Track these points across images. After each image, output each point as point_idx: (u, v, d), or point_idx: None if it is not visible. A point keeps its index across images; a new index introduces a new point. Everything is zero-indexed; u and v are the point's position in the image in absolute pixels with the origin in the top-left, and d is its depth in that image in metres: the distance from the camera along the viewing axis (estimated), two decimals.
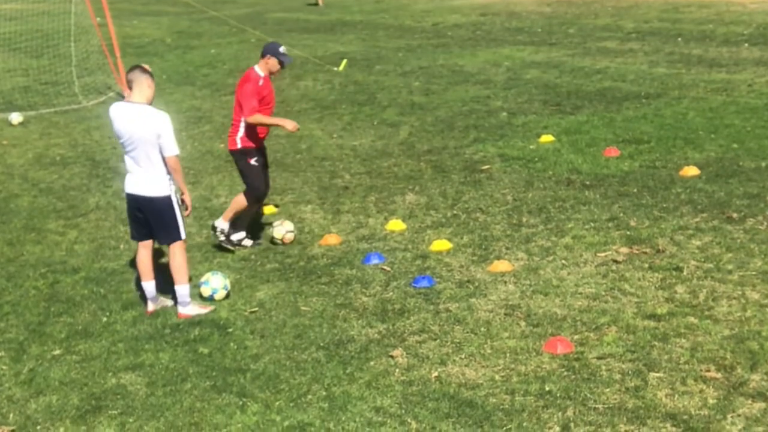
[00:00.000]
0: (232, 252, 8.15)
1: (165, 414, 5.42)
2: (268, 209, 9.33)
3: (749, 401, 5.04)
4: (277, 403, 5.43)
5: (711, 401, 5.06)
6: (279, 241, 8.20)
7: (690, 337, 5.84)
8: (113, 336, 6.60)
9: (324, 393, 5.51)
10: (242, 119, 7.87)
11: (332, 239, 8.24)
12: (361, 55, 19.69)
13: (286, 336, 6.36)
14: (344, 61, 15.49)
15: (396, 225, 8.48)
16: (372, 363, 5.85)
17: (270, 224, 8.55)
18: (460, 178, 9.95)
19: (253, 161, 8.04)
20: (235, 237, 8.25)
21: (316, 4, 34.71)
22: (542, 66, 16.73)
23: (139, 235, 6.92)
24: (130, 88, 6.61)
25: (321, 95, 15.72)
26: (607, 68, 15.98)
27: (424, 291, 6.93)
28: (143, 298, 7.16)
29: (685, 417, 4.93)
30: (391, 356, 5.92)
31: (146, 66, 6.79)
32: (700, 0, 24.25)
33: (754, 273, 6.78)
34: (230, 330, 6.53)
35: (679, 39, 18.70)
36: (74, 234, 9.08)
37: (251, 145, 8.01)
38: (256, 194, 8.16)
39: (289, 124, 7.95)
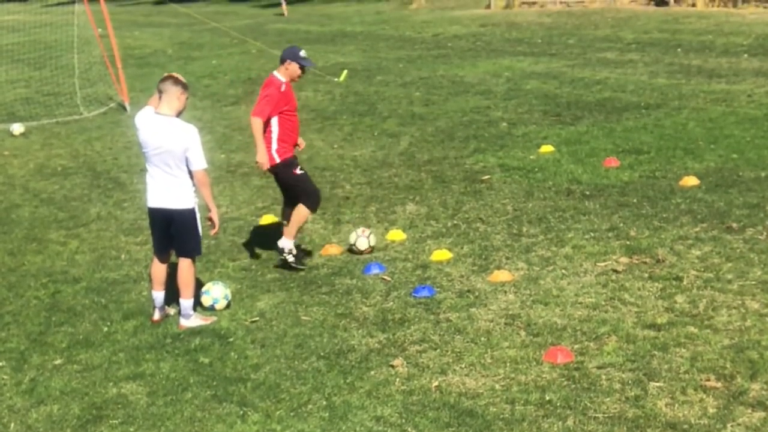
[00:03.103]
0: (302, 270, 7.74)
1: (166, 424, 5.42)
2: (269, 218, 9.34)
3: (749, 410, 5.04)
4: (278, 412, 5.44)
5: (711, 411, 5.07)
6: (357, 249, 8.03)
7: (690, 347, 5.84)
8: (114, 346, 6.61)
9: (324, 402, 5.51)
10: (272, 132, 7.52)
11: (333, 249, 8.25)
12: (361, 66, 19.74)
13: (286, 346, 6.37)
14: (345, 72, 15.52)
15: (396, 235, 8.49)
16: (372, 372, 5.86)
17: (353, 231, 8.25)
18: (461, 188, 9.97)
19: (297, 170, 7.68)
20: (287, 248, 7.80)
21: (282, 15, 35.12)
22: (542, 76, 16.78)
23: (162, 247, 6.87)
24: (160, 98, 6.53)
25: (322, 106, 15.76)
26: (606, 79, 16.03)
27: (425, 301, 6.94)
28: (149, 306, 7.18)
29: (685, 426, 4.93)
30: (392, 366, 5.92)
31: (179, 76, 6.64)
32: (700, 11, 24.32)
33: (753, 283, 6.79)
34: (231, 340, 6.54)
35: (679, 50, 18.75)
36: (75, 244, 9.10)
37: (289, 155, 7.64)
38: (316, 199, 7.78)
39: (259, 158, 7.48)
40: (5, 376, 6.26)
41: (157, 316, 6.98)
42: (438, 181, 10.33)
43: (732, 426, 4.91)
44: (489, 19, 27.49)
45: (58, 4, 30.07)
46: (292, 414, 5.41)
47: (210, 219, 6.75)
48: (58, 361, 6.42)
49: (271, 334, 6.57)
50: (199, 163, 6.54)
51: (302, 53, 7.64)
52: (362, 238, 8.06)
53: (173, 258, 6.95)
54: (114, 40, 17.37)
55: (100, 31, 18.60)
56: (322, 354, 6.18)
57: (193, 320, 6.82)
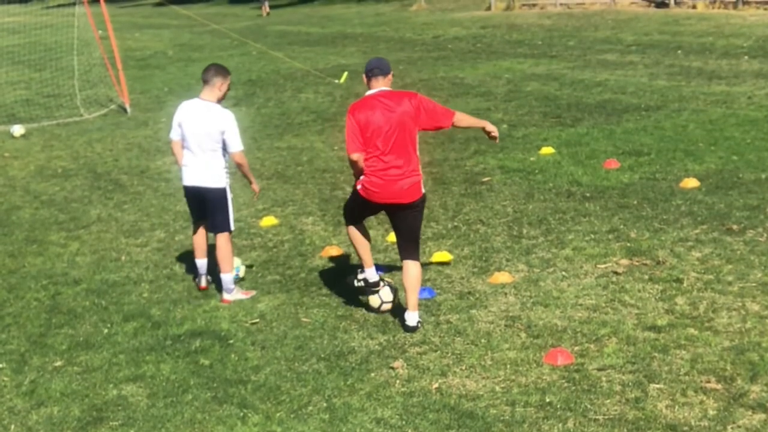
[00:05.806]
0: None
1: (166, 425, 5.42)
2: (269, 220, 9.35)
3: (749, 412, 5.04)
4: (278, 414, 5.44)
5: (711, 412, 5.07)
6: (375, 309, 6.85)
7: (690, 349, 5.84)
8: (114, 347, 6.61)
9: (325, 404, 5.51)
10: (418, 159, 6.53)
11: (333, 251, 8.25)
12: (362, 68, 19.73)
13: (287, 347, 6.37)
14: (345, 74, 15.54)
15: None
16: (373, 374, 5.86)
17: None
18: (461, 189, 9.98)
19: None
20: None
21: (264, 15, 35.49)
22: (542, 78, 16.78)
23: (197, 217, 7.45)
24: (203, 86, 7.17)
25: (322, 107, 15.77)
26: (607, 81, 16.03)
27: (425, 302, 6.93)
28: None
29: (686, 428, 4.93)
30: (392, 367, 5.92)
31: (220, 66, 7.27)
32: (700, 13, 24.34)
33: (754, 284, 6.79)
34: (231, 341, 6.54)
35: (679, 51, 18.76)
36: (76, 246, 9.10)
37: None
38: None
39: (491, 126, 6.74)
40: (5, 378, 6.26)
41: (203, 283, 7.52)
42: (438, 182, 10.33)
43: (732, 428, 4.91)
44: (489, 21, 27.51)
45: (59, 5, 30.09)
46: (292, 416, 5.41)
47: (253, 190, 7.54)
48: (58, 363, 6.42)
49: (272, 336, 6.58)
50: (236, 145, 7.09)
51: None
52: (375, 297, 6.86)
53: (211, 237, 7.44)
54: (114, 42, 17.37)
55: (100, 33, 18.61)
56: (322, 356, 6.19)
57: (235, 294, 7.28)
